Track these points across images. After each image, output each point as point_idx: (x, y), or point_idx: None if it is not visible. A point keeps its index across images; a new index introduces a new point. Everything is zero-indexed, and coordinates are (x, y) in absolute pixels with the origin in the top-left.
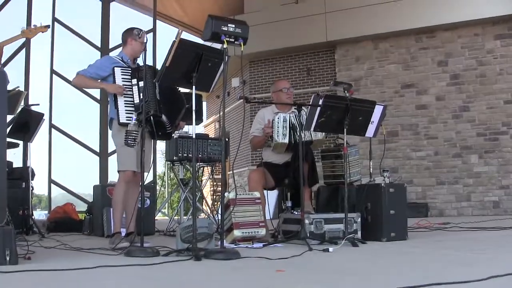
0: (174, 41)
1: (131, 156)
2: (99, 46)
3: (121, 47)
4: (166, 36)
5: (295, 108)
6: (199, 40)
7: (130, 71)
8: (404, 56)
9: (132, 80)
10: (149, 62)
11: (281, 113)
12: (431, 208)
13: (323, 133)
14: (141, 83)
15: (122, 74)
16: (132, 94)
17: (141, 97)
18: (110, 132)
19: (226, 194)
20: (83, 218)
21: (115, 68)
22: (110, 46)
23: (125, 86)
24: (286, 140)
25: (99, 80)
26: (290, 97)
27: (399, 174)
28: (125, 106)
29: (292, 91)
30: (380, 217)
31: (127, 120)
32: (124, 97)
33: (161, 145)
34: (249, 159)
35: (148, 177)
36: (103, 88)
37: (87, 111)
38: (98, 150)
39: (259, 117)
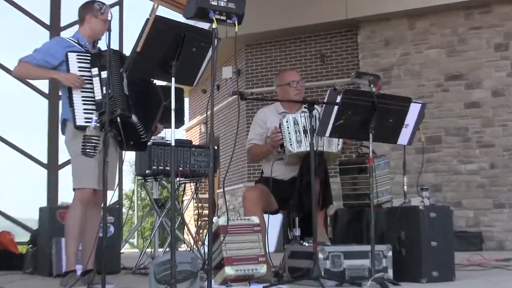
0: (147, 19)
1: (91, 170)
2: (48, 24)
3: (77, 26)
4: (137, 11)
5: (305, 107)
6: (180, 18)
7: (89, 58)
8: (449, 38)
9: (92, 69)
10: (115, 46)
11: (289, 113)
12: (487, 238)
13: (339, 145)
14: (104, 74)
15: (78, 62)
16: (92, 88)
17: (104, 91)
18: (62, 137)
19: (214, 219)
20: (25, 252)
21: (69, 53)
22: (62, 24)
23: (83, 78)
24: (303, 148)
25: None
26: (300, 93)
27: (443, 194)
28: (83, 104)
29: (302, 85)
30: (418, 251)
31: (85, 122)
32: (82, 91)
33: (129, 154)
34: (244, 173)
35: (113, 197)
36: (55, 79)
37: (31, 109)
38: (45, 161)
39: (259, 119)
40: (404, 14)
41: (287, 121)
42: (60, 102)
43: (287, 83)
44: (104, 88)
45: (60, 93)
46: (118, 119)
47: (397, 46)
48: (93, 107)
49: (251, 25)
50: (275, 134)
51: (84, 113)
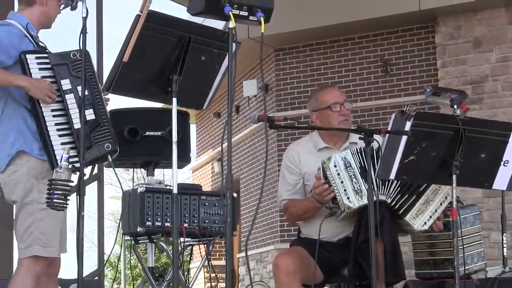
0: (137, 16)
1: (56, 230)
2: None
3: (18, 8)
4: (122, 1)
5: (360, 138)
6: (184, 15)
7: (49, 62)
8: None
9: (62, 81)
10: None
11: (333, 150)
12: None
13: (426, 223)
14: (81, 89)
15: (40, 69)
16: (64, 109)
17: (89, 116)
18: (1, 175)
19: None
20: None
21: (28, 55)
22: None
23: None
24: (365, 200)
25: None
26: (347, 120)
27: None
28: (60, 136)
29: (349, 108)
30: None
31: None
32: (54, 115)
33: (113, 205)
34: (276, 231)
35: (87, 264)
36: (20, 87)
37: None
38: None
39: (289, 161)
40: (503, 2)
41: (335, 165)
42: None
43: (328, 106)
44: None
45: (5, 107)
46: (110, 158)
47: (493, 47)
48: (69, 139)
49: (284, 22)
50: (321, 189)
51: (62, 149)
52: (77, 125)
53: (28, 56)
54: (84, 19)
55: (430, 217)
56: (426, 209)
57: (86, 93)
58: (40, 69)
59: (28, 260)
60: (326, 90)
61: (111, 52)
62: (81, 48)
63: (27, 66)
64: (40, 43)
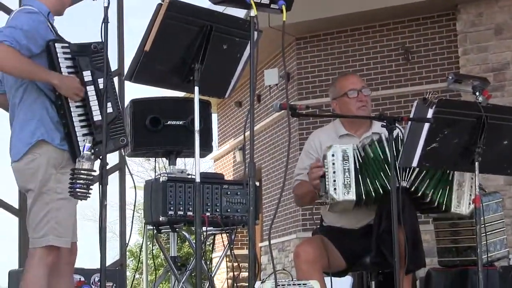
0: (159, 5)
1: (72, 219)
2: None
3: None
4: None
5: (383, 125)
6: (206, 3)
7: (70, 52)
8: None
9: (84, 73)
10: (112, 44)
11: (354, 137)
12: None
13: (471, 204)
14: (101, 82)
15: (66, 59)
16: (85, 100)
17: (109, 110)
18: (17, 164)
19: (257, 285)
20: None
21: (56, 44)
22: None
23: None
24: (352, 196)
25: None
26: (365, 106)
27: None
28: (80, 122)
29: (367, 94)
30: None
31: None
32: (77, 106)
33: (131, 194)
34: (297, 220)
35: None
36: (48, 82)
37: None
38: (17, 206)
39: (310, 147)
40: None
41: (333, 155)
42: (18, 108)
43: (344, 93)
44: (104, 104)
45: (23, 94)
46: (123, 152)
47: None
48: (87, 130)
49: (304, 10)
50: (313, 170)
51: (83, 140)
52: (96, 117)
53: (57, 45)
54: (106, 8)
55: (470, 195)
56: (463, 192)
57: (102, 84)
58: (65, 58)
59: (42, 250)
60: (344, 77)
61: (131, 43)
62: (103, 37)
63: (56, 55)
64: (58, 32)
